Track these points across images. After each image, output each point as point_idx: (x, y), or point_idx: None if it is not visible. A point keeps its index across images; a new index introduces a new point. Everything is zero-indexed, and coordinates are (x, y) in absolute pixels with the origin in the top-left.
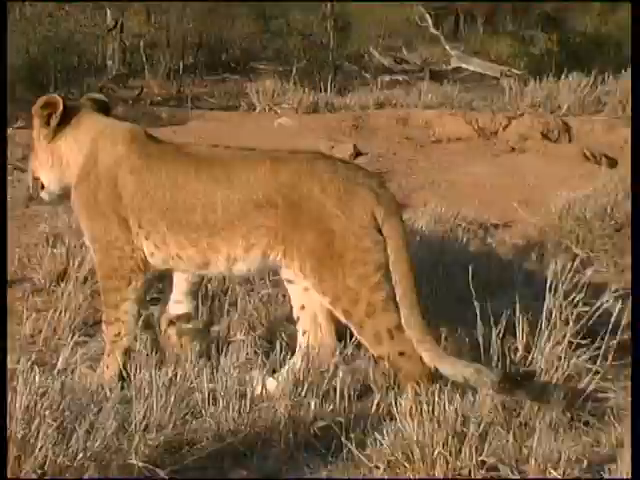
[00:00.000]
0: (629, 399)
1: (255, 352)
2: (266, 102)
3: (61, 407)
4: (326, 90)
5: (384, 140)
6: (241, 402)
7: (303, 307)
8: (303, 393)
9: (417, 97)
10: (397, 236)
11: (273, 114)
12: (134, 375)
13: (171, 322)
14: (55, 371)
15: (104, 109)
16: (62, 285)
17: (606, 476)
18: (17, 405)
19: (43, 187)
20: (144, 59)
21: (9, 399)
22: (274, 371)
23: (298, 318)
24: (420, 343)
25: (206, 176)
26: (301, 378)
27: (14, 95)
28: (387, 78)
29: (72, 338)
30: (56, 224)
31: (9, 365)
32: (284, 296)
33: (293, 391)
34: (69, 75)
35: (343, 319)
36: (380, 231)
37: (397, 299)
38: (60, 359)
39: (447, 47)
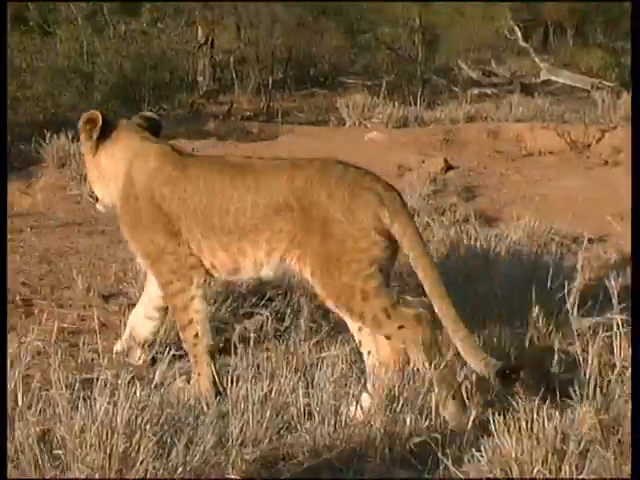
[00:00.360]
0: None
1: (350, 367)
2: (356, 116)
3: (161, 421)
4: (416, 104)
5: (475, 154)
6: (336, 417)
7: (360, 329)
8: (399, 409)
9: (507, 110)
10: (409, 232)
11: (363, 128)
12: (230, 389)
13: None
14: (152, 385)
15: (155, 127)
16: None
17: None
18: (119, 419)
19: (97, 200)
20: (234, 75)
21: (110, 413)
22: None
23: (360, 342)
24: (455, 332)
25: (240, 183)
26: (396, 394)
27: (107, 111)
28: (476, 91)
29: (168, 352)
30: None
31: (110, 379)
32: None
33: (389, 406)
34: (161, 91)
35: (348, 317)
36: (385, 232)
37: (427, 293)
38: (157, 373)
39: (536, 59)
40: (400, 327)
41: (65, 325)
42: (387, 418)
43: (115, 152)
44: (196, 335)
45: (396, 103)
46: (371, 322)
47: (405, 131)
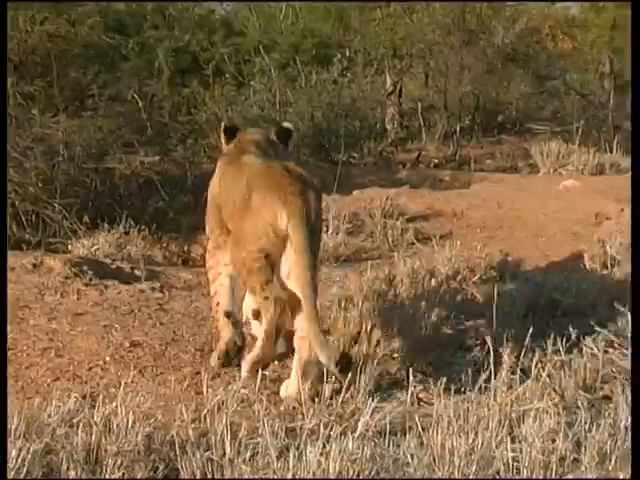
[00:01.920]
0: None
1: (557, 422)
2: (550, 164)
3: (372, 474)
4: (610, 150)
5: None
6: (546, 473)
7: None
8: (611, 467)
9: None
10: (296, 236)
11: (558, 176)
12: (433, 440)
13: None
14: (356, 434)
15: (284, 134)
16: (355, 348)
17: None
18: (331, 471)
19: None
20: (421, 122)
21: (323, 464)
22: (579, 443)
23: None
24: (311, 333)
25: (230, 179)
26: (608, 451)
27: (298, 159)
28: None
29: (370, 403)
30: (348, 287)
31: (322, 430)
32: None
33: (599, 465)
34: (351, 139)
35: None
36: (279, 230)
37: (299, 290)
38: (360, 424)
39: None
40: (265, 298)
41: (267, 373)
42: (599, 474)
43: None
44: (217, 304)
45: (591, 150)
46: (250, 290)
47: (601, 179)
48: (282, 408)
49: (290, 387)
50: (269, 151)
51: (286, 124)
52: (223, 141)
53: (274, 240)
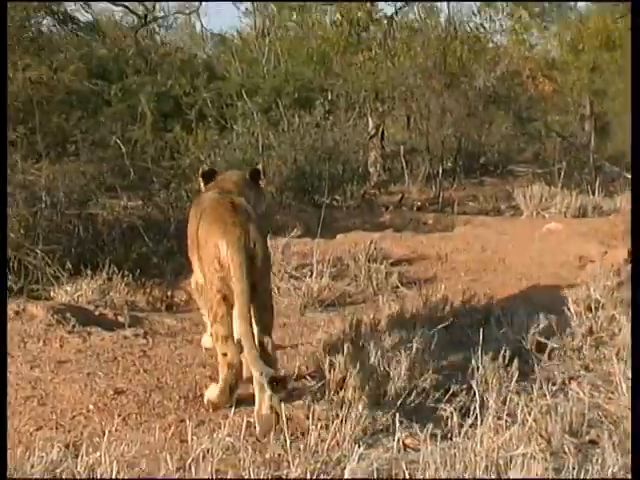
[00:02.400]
0: None
1: (545, 468)
2: (533, 207)
3: None
4: (593, 193)
5: None
6: None
7: None
8: None
9: None
10: (234, 263)
11: (541, 219)
12: None
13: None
14: None
15: (257, 174)
16: (341, 393)
17: None
18: None
19: None
20: (404, 165)
21: None
22: None
23: None
24: (245, 348)
25: (192, 214)
26: None
27: (281, 203)
28: None
29: (356, 450)
30: (332, 331)
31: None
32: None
33: None
34: (333, 183)
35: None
36: (223, 262)
37: (236, 313)
38: (346, 471)
39: None
40: (224, 354)
41: (252, 420)
42: None
43: None
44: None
45: (574, 193)
46: (214, 335)
47: (584, 221)
48: (267, 456)
49: (262, 410)
50: (243, 188)
51: (258, 166)
52: (202, 185)
53: (222, 274)
